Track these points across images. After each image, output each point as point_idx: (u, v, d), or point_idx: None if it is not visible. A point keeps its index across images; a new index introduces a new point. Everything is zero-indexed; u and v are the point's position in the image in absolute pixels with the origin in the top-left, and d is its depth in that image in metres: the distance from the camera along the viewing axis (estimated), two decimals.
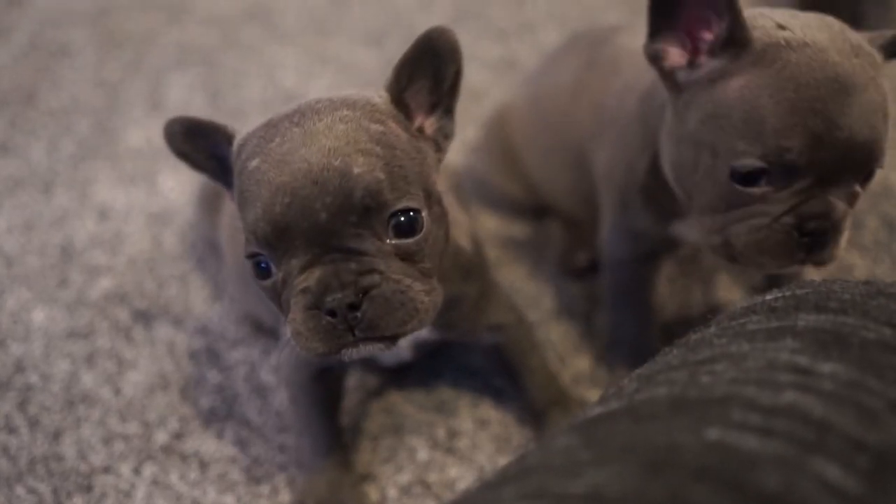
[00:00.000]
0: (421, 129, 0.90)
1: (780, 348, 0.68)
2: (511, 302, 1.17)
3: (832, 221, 0.90)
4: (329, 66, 1.82)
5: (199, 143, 0.91)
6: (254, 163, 0.82)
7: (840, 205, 0.90)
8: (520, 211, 1.47)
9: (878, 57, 0.92)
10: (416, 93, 0.89)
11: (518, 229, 1.47)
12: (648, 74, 1.02)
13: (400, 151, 0.83)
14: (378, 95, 0.87)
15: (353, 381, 1.23)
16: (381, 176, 0.79)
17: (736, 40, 0.89)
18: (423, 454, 1.14)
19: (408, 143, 0.85)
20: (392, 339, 0.83)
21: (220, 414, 1.21)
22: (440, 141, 0.92)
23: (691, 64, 0.93)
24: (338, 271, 0.79)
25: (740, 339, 0.72)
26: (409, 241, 0.82)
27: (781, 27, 0.89)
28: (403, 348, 1.07)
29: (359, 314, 0.80)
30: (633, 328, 1.21)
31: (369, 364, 1.19)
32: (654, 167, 1.04)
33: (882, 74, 0.91)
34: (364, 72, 1.79)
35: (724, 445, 0.58)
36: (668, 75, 0.95)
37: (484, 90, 1.72)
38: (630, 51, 1.12)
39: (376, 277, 0.80)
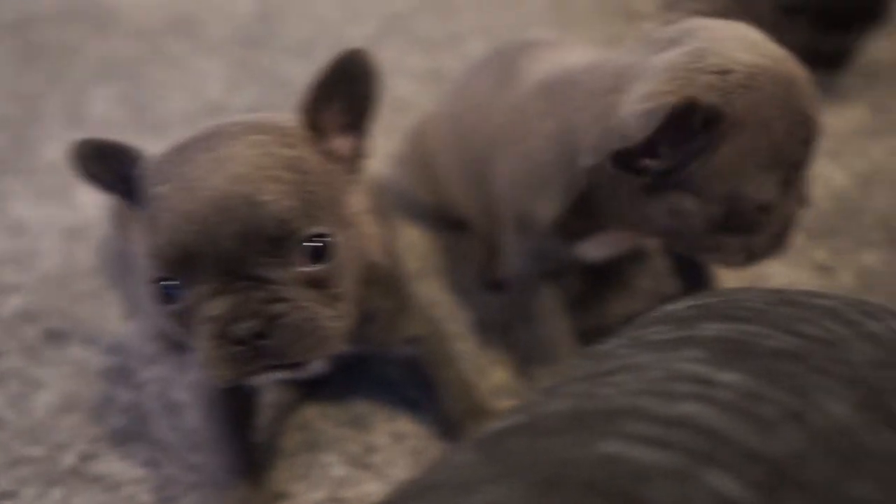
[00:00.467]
0: (334, 151, 0.88)
1: (682, 358, 0.67)
2: (428, 314, 1.15)
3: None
4: (256, 78, 1.80)
5: (109, 166, 0.88)
6: (163, 188, 0.80)
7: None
8: (441, 223, 1.45)
9: None
10: (331, 114, 0.88)
11: (439, 241, 1.45)
12: (552, 122, 1.03)
13: (311, 176, 0.82)
14: (291, 118, 0.86)
15: (268, 398, 1.20)
16: (291, 203, 0.78)
17: (708, 121, 0.88)
18: (338, 470, 1.12)
19: (320, 167, 0.84)
20: (299, 366, 0.83)
21: (131, 434, 1.17)
22: (355, 161, 0.90)
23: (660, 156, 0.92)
24: (246, 300, 0.78)
25: (644, 350, 0.71)
26: (319, 268, 0.81)
27: (724, 72, 0.89)
28: (317, 363, 1.05)
29: (267, 342, 0.79)
30: (548, 340, 1.19)
31: (283, 378, 1.16)
32: (574, 207, 1.04)
33: None
34: (292, 84, 1.77)
35: (619, 458, 0.57)
36: (640, 173, 0.93)
37: (411, 102, 1.71)
38: (531, 74, 1.13)
39: (284, 306, 0.79)
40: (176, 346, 1.27)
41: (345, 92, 0.87)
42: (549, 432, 0.62)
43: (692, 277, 1.25)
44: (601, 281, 1.37)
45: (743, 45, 0.91)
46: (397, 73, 1.79)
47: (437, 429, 1.16)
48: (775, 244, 0.97)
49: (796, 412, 0.60)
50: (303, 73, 1.78)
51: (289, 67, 1.81)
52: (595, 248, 1.12)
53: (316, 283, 0.82)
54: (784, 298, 0.76)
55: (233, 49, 1.87)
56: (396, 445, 1.15)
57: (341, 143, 0.89)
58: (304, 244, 0.80)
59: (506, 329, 1.31)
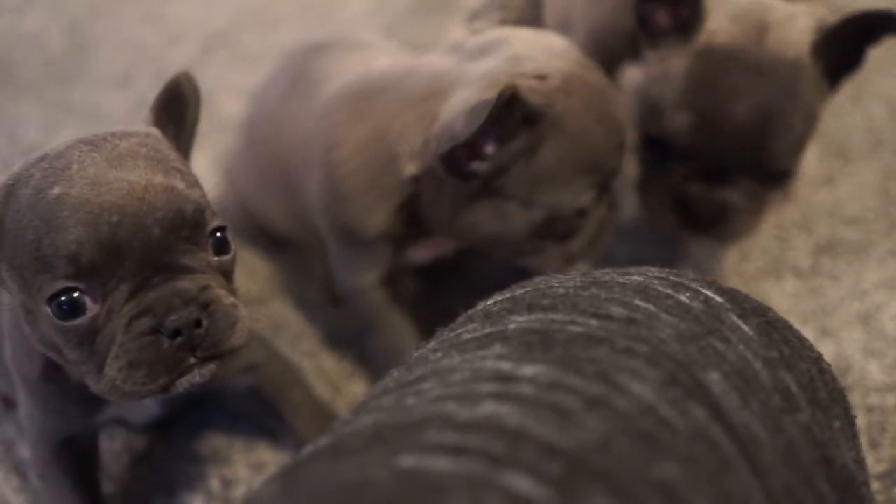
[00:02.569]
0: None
1: (486, 356, 0.65)
2: (261, 338, 1.10)
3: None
4: (75, 115, 1.72)
5: None
6: (54, 191, 0.74)
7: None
8: (281, 243, 1.41)
9: None
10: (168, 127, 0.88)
11: (281, 261, 1.41)
12: (364, 124, 1.02)
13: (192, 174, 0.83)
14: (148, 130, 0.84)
15: (118, 445, 1.15)
16: (200, 192, 0.80)
17: (529, 120, 0.90)
18: None
19: (186, 167, 0.84)
20: (222, 358, 0.81)
21: None
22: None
23: (484, 157, 0.92)
24: (177, 290, 0.76)
25: (453, 352, 0.68)
26: (226, 258, 0.82)
27: (542, 77, 0.92)
28: (150, 405, 0.99)
29: (202, 331, 0.77)
30: (394, 346, 1.16)
31: (121, 424, 1.10)
32: (395, 214, 1.03)
33: None
34: (113, 117, 1.70)
35: (416, 472, 0.54)
36: (466, 176, 0.93)
37: (236, 120, 1.66)
38: (328, 77, 1.10)
39: (213, 293, 0.78)
40: (12, 404, 1.20)
41: (176, 115, 0.87)
42: (351, 452, 0.59)
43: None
44: (443, 275, 1.34)
45: (554, 53, 0.94)
46: (223, 92, 1.74)
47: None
48: (591, 247, 1.01)
49: (598, 398, 0.58)
50: (123, 104, 1.72)
51: (108, 100, 1.74)
52: (420, 253, 1.10)
53: (224, 275, 0.82)
54: (594, 280, 0.74)
55: (48, 87, 1.79)
56: (256, 476, 1.10)
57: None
58: (213, 234, 0.81)
59: (358, 341, 1.28)
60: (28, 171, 0.78)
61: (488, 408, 0.58)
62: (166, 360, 0.76)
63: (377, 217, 1.03)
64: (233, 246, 0.84)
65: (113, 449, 1.13)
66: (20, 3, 2.02)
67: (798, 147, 1.04)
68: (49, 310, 0.76)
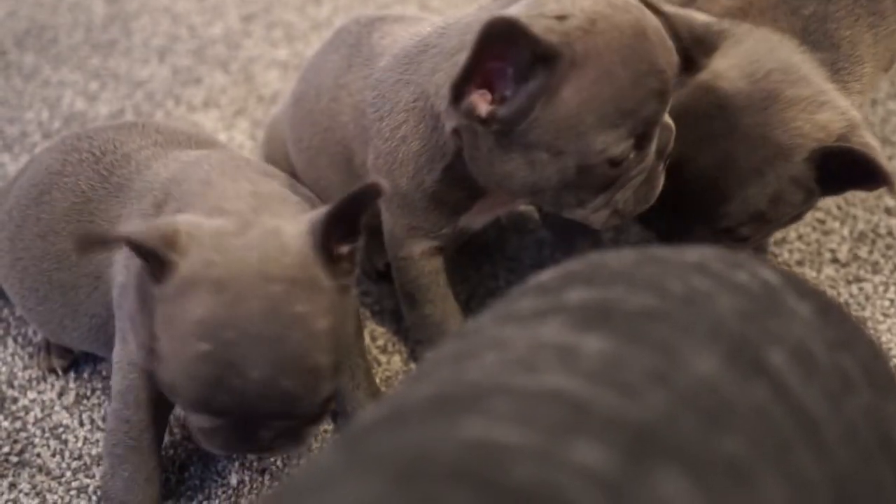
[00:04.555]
0: (338, 257, 0.90)
1: (546, 328, 0.65)
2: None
3: (673, 136, 0.97)
4: (114, 84, 1.72)
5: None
6: (202, 346, 0.82)
7: (669, 119, 0.96)
8: None
9: None
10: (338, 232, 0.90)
11: None
12: (408, 93, 1.02)
13: (338, 339, 0.88)
14: (312, 258, 0.87)
15: None
16: (322, 391, 0.88)
17: (544, 58, 0.87)
18: (233, 479, 1.10)
19: (342, 310, 0.90)
20: None
21: (12, 463, 1.12)
22: (352, 256, 0.93)
23: (501, 99, 0.91)
24: (254, 437, 0.90)
25: (510, 324, 0.68)
26: (321, 411, 0.93)
27: (562, 17, 0.88)
28: None
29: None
30: (436, 320, 1.17)
31: None
32: (446, 178, 1.04)
33: None
34: (152, 87, 1.71)
35: (481, 442, 0.54)
36: (487, 121, 0.92)
37: (280, 93, 1.67)
38: (383, 49, 1.10)
39: (285, 441, 0.92)
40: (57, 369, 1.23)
41: (356, 212, 0.89)
42: (412, 421, 0.59)
43: (575, 247, 1.24)
44: (486, 256, 1.35)
45: None
46: (261, 64, 1.74)
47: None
48: (640, 201, 0.97)
49: (661, 373, 0.58)
50: (162, 74, 1.72)
51: (148, 70, 1.75)
52: (476, 217, 1.11)
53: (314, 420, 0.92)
54: (650, 257, 0.74)
55: (88, 55, 1.79)
56: None
57: (342, 251, 0.91)
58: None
59: (394, 316, 1.29)
60: (198, 281, 0.84)
61: (552, 379, 0.58)
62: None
63: (430, 179, 1.04)
64: (330, 404, 0.93)
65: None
66: None
67: (755, 221, 1.01)
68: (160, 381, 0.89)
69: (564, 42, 0.88)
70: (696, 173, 0.98)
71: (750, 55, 0.98)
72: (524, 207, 1.30)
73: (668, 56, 0.91)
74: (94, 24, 1.88)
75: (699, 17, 0.98)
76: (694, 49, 0.97)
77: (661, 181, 0.98)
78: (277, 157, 1.36)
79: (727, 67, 0.98)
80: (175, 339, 0.85)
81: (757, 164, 0.95)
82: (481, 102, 0.91)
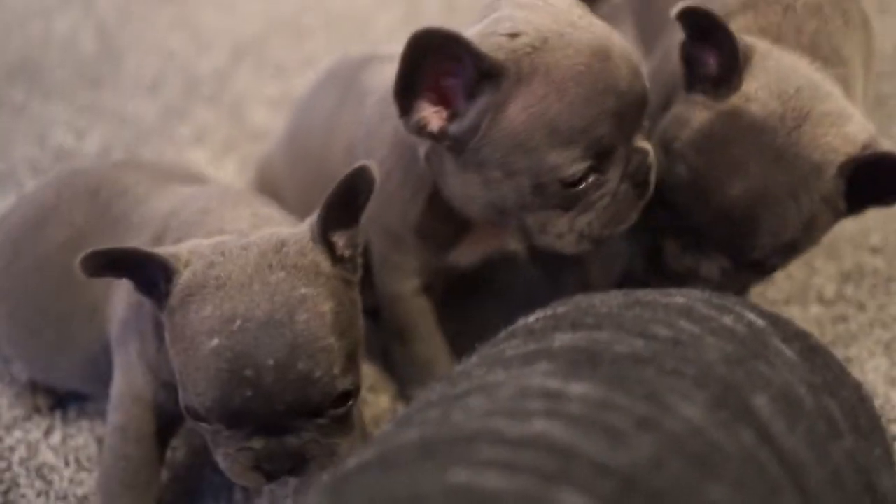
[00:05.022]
0: (340, 254, 0.90)
1: (533, 373, 0.65)
2: None
3: (651, 163, 0.95)
4: (104, 119, 1.72)
5: (126, 272, 0.88)
6: (213, 342, 0.82)
7: (648, 145, 0.95)
8: None
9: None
10: (334, 221, 0.90)
11: None
12: (389, 125, 1.01)
13: (345, 322, 0.87)
14: (311, 246, 0.88)
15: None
16: (337, 371, 0.84)
17: (490, 74, 0.87)
18: None
19: (346, 297, 0.89)
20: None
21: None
22: (355, 256, 0.92)
23: (453, 116, 0.91)
24: (282, 444, 0.86)
25: (498, 367, 0.69)
26: (342, 410, 0.88)
27: (515, 35, 0.88)
28: None
29: (291, 472, 0.88)
30: (425, 358, 1.17)
31: None
32: (431, 209, 1.03)
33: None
34: (142, 122, 1.71)
35: (468, 488, 0.54)
36: (439, 137, 0.92)
37: (268, 130, 1.67)
38: (373, 88, 1.10)
39: (314, 448, 0.87)
40: (41, 408, 1.22)
41: (351, 200, 0.89)
42: (400, 465, 0.59)
43: (563, 284, 1.24)
44: (475, 293, 1.35)
45: (549, 14, 0.90)
46: (251, 101, 1.75)
47: None
48: (608, 225, 0.95)
49: (648, 418, 0.59)
50: (152, 110, 1.73)
51: (137, 106, 1.75)
52: (465, 254, 1.11)
53: (338, 421, 0.88)
54: (637, 300, 0.75)
55: (77, 91, 1.80)
56: (279, 487, 1.10)
57: (341, 241, 0.91)
58: (337, 397, 0.86)
59: (383, 354, 1.28)
60: (202, 284, 0.85)
61: (538, 425, 0.58)
62: (257, 479, 0.89)
63: (414, 212, 1.04)
64: (356, 395, 0.89)
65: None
66: (52, 6, 2.04)
67: (786, 250, 0.98)
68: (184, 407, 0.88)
69: (511, 59, 0.87)
70: (727, 202, 0.93)
71: (777, 74, 0.96)
72: (513, 246, 1.30)
73: (632, 79, 0.90)
74: (84, 60, 1.88)
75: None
76: (731, 66, 0.95)
77: (637, 207, 0.96)
78: (268, 195, 1.36)
79: (756, 89, 0.95)
80: (187, 346, 0.85)
81: (792, 186, 0.92)
82: (434, 118, 0.91)
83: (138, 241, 1.00)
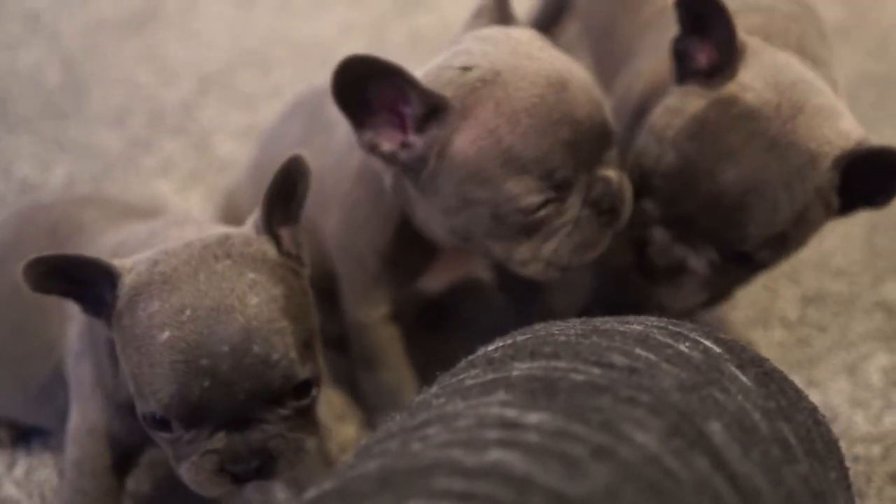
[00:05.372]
0: (287, 249, 0.91)
1: (491, 403, 0.66)
2: None
3: (616, 191, 0.94)
4: (69, 151, 1.72)
5: (72, 288, 0.87)
6: (163, 335, 0.81)
7: (614, 174, 0.94)
8: None
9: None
10: (276, 215, 0.90)
11: None
12: (356, 156, 1.02)
13: (297, 308, 0.87)
14: (256, 237, 0.89)
15: None
16: (294, 355, 0.83)
17: (435, 108, 0.89)
18: None
19: (297, 285, 0.89)
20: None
21: None
22: (300, 254, 0.93)
23: (404, 144, 0.92)
24: (245, 440, 0.84)
25: (456, 397, 0.69)
26: (305, 401, 0.87)
27: (467, 68, 0.90)
28: None
29: (260, 473, 0.86)
30: (390, 389, 1.17)
31: None
32: (399, 238, 1.04)
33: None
34: (108, 155, 1.70)
35: None
36: (391, 160, 0.94)
37: (233, 161, 1.67)
38: (340, 118, 1.11)
39: (279, 443, 0.85)
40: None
41: (287, 194, 0.89)
42: (358, 496, 0.60)
43: (528, 311, 1.25)
44: (442, 321, 1.35)
45: (508, 46, 0.92)
46: (217, 132, 1.75)
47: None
48: (575, 253, 0.95)
49: (604, 447, 0.59)
50: (118, 142, 1.72)
51: (103, 137, 1.75)
52: (432, 281, 1.11)
53: (301, 413, 0.87)
54: (595, 328, 0.76)
55: (43, 124, 1.79)
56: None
57: (285, 236, 0.91)
58: (297, 387, 0.85)
59: (350, 383, 1.28)
60: (147, 280, 0.84)
61: (495, 455, 0.59)
62: (224, 484, 0.87)
63: (382, 241, 1.05)
64: (316, 386, 0.88)
65: None
66: (16, 39, 2.03)
67: (776, 244, 0.95)
68: (141, 417, 0.86)
69: (459, 94, 0.89)
70: (718, 189, 0.91)
71: (772, 67, 0.95)
72: (481, 272, 1.31)
73: (591, 109, 0.91)
74: (50, 92, 1.88)
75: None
76: (728, 53, 0.94)
77: (604, 234, 0.95)
78: (234, 225, 1.36)
79: (752, 78, 0.94)
80: (139, 344, 0.83)
81: (786, 175, 0.90)
82: (386, 142, 0.92)
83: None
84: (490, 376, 0.70)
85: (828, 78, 1.00)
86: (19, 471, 1.18)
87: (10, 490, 1.16)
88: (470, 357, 0.79)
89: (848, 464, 1.07)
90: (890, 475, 1.11)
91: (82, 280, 0.86)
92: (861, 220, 1.46)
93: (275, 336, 0.82)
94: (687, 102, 0.95)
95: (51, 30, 2.06)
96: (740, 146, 0.91)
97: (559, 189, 0.91)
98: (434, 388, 0.74)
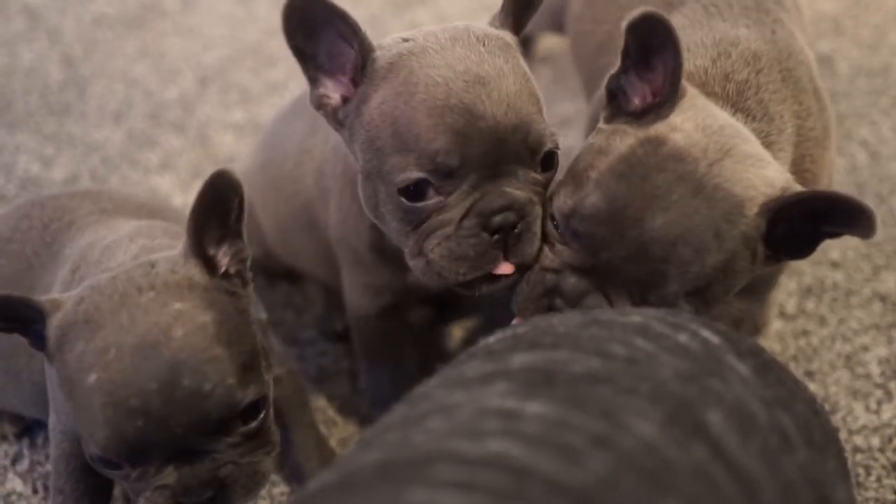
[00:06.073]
0: (221, 269, 0.89)
1: (491, 393, 0.66)
2: (284, 353, 1.12)
3: (518, 213, 0.89)
4: (70, 148, 1.73)
5: (11, 319, 0.86)
6: (90, 378, 0.79)
7: (520, 195, 0.89)
8: (275, 276, 1.42)
9: (510, 37, 0.93)
10: (208, 234, 0.88)
11: (276, 294, 1.42)
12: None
13: (232, 331, 0.84)
14: (183, 262, 0.86)
15: None
16: (232, 381, 0.81)
17: (365, 62, 0.90)
18: None
19: (231, 307, 0.86)
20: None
21: None
22: (242, 272, 0.91)
23: (346, 99, 0.93)
24: (195, 472, 0.83)
25: (457, 388, 0.69)
26: (254, 424, 0.85)
27: (405, 39, 0.90)
28: None
29: (214, 502, 0.85)
30: (390, 384, 1.18)
31: None
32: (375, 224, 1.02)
33: (518, 54, 0.92)
34: (107, 150, 1.71)
35: None
36: (334, 118, 0.94)
37: (233, 156, 1.68)
38: None
39: (231, 469, 0.84)
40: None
41: (217, 209, 0.87)
42: (359, 487, 0.60)
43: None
44: (440, 314, 1.36)
45: (452, 33, 0.91)
46: (216, 127, 1.76)
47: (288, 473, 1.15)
48: (454, 259, 0.90)
49: (603, 437, 0.60)
50: (118, 138, 1.73)
51: (103, 134, 1.76)
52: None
53: (251, 436, 0.86)
54: (594, 319, 0.76)
55: (43, 120, 1.80)
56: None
57: (221, 255, 0.90)
58: (243, 412, 0.84)
59: (351, 377, 1.29)
60: (74, 321, 0.82)
61: (495, 444, 0.59)
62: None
63: (364, 227, 1.05)
64: (266, 405, 0.87)
65: None
66: (18, 36, 2.04)
67: (699, 295, 0.89)
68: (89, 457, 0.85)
69: (385, 56, 0.90)
70: (646, 235, 0.85)
71: (703, 112, 0.92)
72: None
73: (504, 117, 0.86)
74: (50, 88, 1.88)
75: None
76: (670, 89, 0.90)
77: (487, 253, 0.89)
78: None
79: (682, 120, 0.91)
80: (70, 388, 0.82)
81: (714, 220, 0.86)
82: (332, 93, 0.93)
83: (62, 275, 0.99)
84: (490, 367, 0.70)
85: (762, 132, 0.97)
86: (23, 464, 1.19)
87: (15, 483, 1.17)
88: (470, 349, 0.79)
89: (847, 454, 1.09)
90: (889, 465, 1.12)
91: (24, 318, 0.85)
92: None
93: (206, 366, 0.81)
94: (614, 142, 0.90)
95: (51, 26, 2.06)
96: (668, 189, 0.86)
97: (441, 178, 0.87)
98: (434, 380, 0.75)
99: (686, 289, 0.87)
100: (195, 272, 0.86)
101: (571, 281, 0.90)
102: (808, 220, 0.88)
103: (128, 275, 0.85)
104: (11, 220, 1.13)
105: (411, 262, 0.94)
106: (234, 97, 1.84)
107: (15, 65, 1.96)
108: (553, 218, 0.92)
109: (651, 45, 0.89)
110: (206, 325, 0.82)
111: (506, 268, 0.91)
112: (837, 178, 1.53)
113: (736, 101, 0.97)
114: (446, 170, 0.87)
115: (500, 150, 0.87)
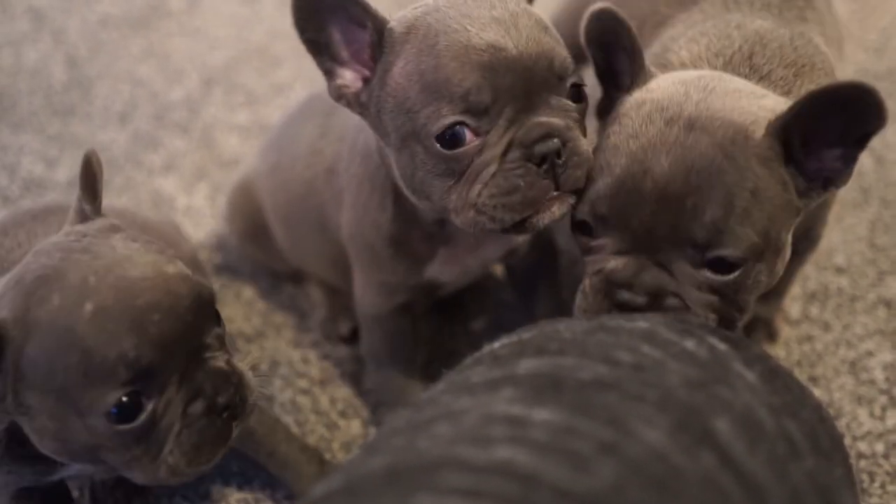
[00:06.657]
0: None
1: (498, 400, 0.66)
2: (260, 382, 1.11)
3: (560, 138, 0.88)
4: (74, 149, 1.73)
5: None
6: (87, 308, 0.77)
7: (558, 122, 0.88)
8: (280, 278, 1.43)
9: None
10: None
11: (280, 297, 1.42)
12: (363, 136, 1.03)
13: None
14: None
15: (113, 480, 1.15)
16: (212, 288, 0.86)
17: (381, 36, 0.90)
18: None
19: None
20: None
21: None
22: None
23: (366, 80, 0.93)
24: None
25: (463, 394, 0.69)
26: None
27: (417, 7, 0.91)
28: None
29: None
30: (397, 384, 1.18)
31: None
32: (398, 213, 1.03)
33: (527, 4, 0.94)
34: (112, 151, 1.71)
35: None
36: (357, 104, 0.94)
37: (239, 157, 1.67)
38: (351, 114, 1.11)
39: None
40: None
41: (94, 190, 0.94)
42: (365, 493, 0.60)
43: (536, 307, 1.25)
44: (446, 318, 1.36)
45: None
46: (221, 129, 1.76)
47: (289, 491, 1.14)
48: (503, 201, 0.88)
49: (610, 444, 0.60)
50: (122, 139, 1.73)
51: (108, 135, 1.75)
52: (443, 271, 1.10)
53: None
54: (601, 325, 0.76)
55: (48, 121, 1.80)
56: None
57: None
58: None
59: (354, 380, 1.29)
60: (32, 297, 0.79)
61: (502, 451, 0.59)
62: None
63: (384, 219, 1.04)
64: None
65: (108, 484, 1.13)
66: (22, 36, 2.04)
67: (744, 226, 0.84)
68: (104, 419, 0.79)
69: (402, 22, 0.90)
70: (660, 182, 0.85)
71: (679, 75, 0.94)
72: (492, 266, 1.31)
73: (519, 41, 0.86)
74: (54, 89, 1.88)
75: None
76: (636, 69, 0.94)
77: (542, 188, 0.88)
78: (240, 223, 1.38)
79: (657, 82, 0.93)
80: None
81: (719, 147, 0.84)
82: (350, 81, 0.93)
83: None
84: (497, 373, 0.70)
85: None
86: None
87: None
88: (476, 354, 0.79)
89: (851, 461, 1.09)
90: (893, 472, 1.11)
91: None
92: (863, 217, 1.47)
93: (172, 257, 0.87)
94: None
95: (56, 27, 2.06)
96: (661, 136, 0.87)
97: (476, 117, 0.87)
98: (441, 385, 0.75)
99: (724, 220, 0.84)
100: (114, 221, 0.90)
101: (622, 263, 0.88)
102: (823, 134, 0.86)
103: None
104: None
105: (458, 220, 0.91)
106: (239, 98, 1.83)
107: (19, 65, 1.96)
108: (580, 226, 0.91)
109: (609, 43, 0.94)
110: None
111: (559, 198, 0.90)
112: None
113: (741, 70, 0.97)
114: (480, 107, 0.86)
115: (529, 79, 0.87)
